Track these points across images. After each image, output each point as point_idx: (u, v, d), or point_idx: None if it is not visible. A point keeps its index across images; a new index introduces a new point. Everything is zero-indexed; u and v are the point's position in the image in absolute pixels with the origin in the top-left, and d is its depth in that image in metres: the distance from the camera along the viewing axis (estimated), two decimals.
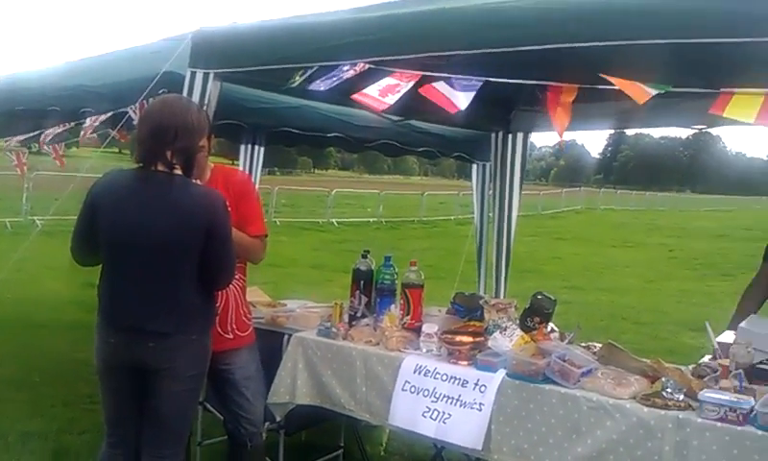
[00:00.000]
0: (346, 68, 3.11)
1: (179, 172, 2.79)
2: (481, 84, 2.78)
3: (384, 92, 2.92)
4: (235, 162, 5.98)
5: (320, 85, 3.17)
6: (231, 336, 3.36)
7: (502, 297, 5.91)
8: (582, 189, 54.85)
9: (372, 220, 25.69)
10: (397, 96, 2.88)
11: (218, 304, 3.13)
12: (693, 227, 29.75)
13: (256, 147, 5.85)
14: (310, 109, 4.43)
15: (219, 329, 3.25)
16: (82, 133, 4.28)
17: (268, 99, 4.38)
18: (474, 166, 6.06)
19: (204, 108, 3.49)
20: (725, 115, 2.22)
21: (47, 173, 12.97)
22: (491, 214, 5.94)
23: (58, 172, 6.47)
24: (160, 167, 2.77)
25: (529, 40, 2.68)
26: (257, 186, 6.11)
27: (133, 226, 2.74)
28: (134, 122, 3.86)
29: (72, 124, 4.46)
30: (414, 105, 3.23)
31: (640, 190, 60.75)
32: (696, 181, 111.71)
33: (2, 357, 6.00)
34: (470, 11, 2.86)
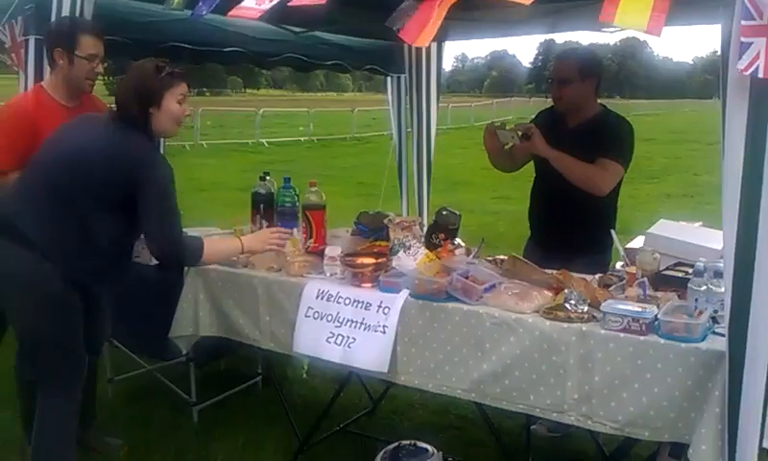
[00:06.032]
0: None
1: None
2: None
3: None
4: None
5: (202, 9, 2.93)
6: None
7: (425, 213, 5.83)
8: (512, 99, 54.98)
9: (303, 139, 25.22)
10: (275, 1, 2.63)
11: None
12: None
13: None
14: (202, 21, 4.05)
15: None
16: None
17: (155, 12, 3.98)
18: (389, 79, 5.83)
19: None
20: (616, 23, 2.05)
21: None
22: (409, 129, 5.78)
23: None
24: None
25: None
26: None
27: None
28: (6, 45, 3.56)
29: None
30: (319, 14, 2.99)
31: None
32: (624, 88, 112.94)
33: None
34: None
